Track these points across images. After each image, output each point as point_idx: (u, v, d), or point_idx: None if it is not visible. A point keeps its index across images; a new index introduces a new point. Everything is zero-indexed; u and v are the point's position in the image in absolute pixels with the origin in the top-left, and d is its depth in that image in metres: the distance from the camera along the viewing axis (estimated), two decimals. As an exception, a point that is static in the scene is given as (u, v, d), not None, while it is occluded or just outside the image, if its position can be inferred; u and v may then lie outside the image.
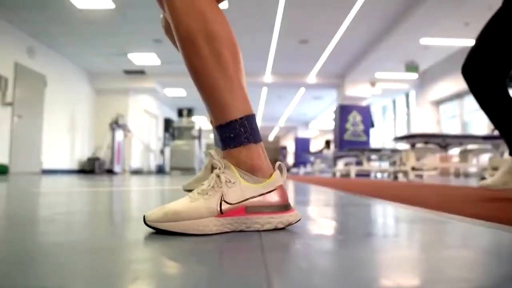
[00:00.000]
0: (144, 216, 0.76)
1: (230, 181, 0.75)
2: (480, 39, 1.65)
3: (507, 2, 1.58)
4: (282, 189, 0.78)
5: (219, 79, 0.80)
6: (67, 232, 0.76)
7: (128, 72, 10.69)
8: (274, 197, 0.77)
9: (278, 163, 0.82)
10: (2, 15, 6.93)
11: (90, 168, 9.74)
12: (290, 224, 0.78)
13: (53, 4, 6.36)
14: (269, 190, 0.77)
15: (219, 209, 0.74)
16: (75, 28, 7.49)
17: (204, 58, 0.79)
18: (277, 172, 0.80)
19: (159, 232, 0.75)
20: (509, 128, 1.58)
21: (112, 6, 6.44)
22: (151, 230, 0.77)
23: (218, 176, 0.76)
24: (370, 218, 1.06)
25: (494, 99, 1.56)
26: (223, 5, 6.47)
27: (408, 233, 0.81)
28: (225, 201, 0.74)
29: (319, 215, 1.09)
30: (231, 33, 0.82)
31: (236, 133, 0.79)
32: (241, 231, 0.76)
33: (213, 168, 0.95)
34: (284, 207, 0.78)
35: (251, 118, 0.81)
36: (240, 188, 0.75)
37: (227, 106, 0.79)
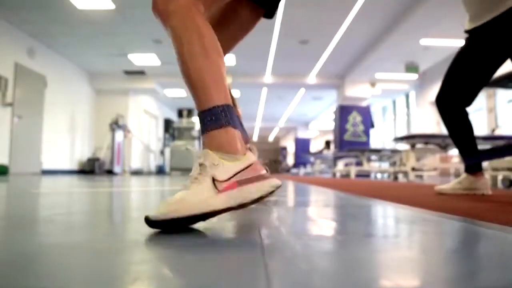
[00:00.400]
0: (146, 218, 0.78)
1: (214, 164, 0.84)
2: (448, 75, 2.05)
3: (469, 42, 1.95)
4: (257, 163, 0.88)
5: (207, 71, 0.91)
6: (67, 233, 0.76)
7: (128, 73, 10.69)
8: (255, 169, 0.86)
9: (248, 144, 0.94)
10: (2, 16, 6.93)
11: (90, 169, 9.74)
12: (277, 186, 0.86)
13: (53, 4, 6.37)
14: (247, 165, 0.85)
15: (215, 188, 0.81)
16: (75, 28, 7.50)
17: (195, 55, 0.92)
18: (251, 153, 0.89)
19: (163, 232, 0.75)
20: (465, 145, 2.04)
21: (112, 6, 6.45)
22: (151, 231, 0.78)
23: (201, 164, 0.85)
24: (370, 219, 1.06)
25: (457, 124, 2.03)
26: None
27: (407, 234, 0.81)
28: (217, 180, 0.82)
29: (319, 216, 1.09)
30: (217, 41, 0.97)
31: (217, 117, 0.88)
32: (241, 206, 0.82)
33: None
34: (265, 176, 0.86)
35: (231, 108, 0.91)
36: (224, 168, 0.84)
37: (211, 94, 0.90)
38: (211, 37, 0.96)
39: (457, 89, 2.01)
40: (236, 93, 11.74)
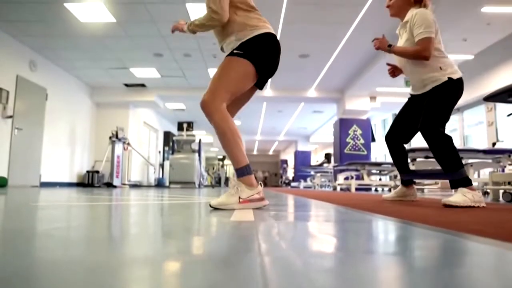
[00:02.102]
0: (209, 204, 1.86)
1: (241, 189, 1.86)
2: (394, 121, 2.92)
3: (408, 102, 2.84)
4: (260, 192, 1.90)
5: (235, 149, 1.90)
6: (65, 248, 0.75)
7: (128, 85, 10.76)
8: (258, 195, 1.89)
9: (260, 182, 1.93)
10: (5, 29, 7.01)
11: (89, 181, 9.71)
12: (266, 205, 1.93)
13: (57, 17, 6.44)
14: (256, 193, 1.88)
15: (238, 201, 1.83)
16: (77, 41, 7.57)
17: (229, 141, 1.89)
18: (259, 186, 1.91)
19: (163, 246, 0.75)
20: (402, 167, 2.93)
21: (113, 20, 6.52)
22: (149, 246, 0.77)
23: (236, 187, 1.87)
24: (370, 235, 1.05)
25: (398, 153, 2.91)
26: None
27: (408, 251, 0.79)
28: (240, 197, 1.84)
29: (319, 231, 1.08)
30: (235, 127, 1.92)
31: (243, 171, 1.90)
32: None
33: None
34: (262, 199, 1.91)
35: (249, 165, 1.92)
36: (245, 193, 1.86)
37: (239, 161, 1.90)
38: (234, 128, 1.91)
39: (398, 131, 2.87)
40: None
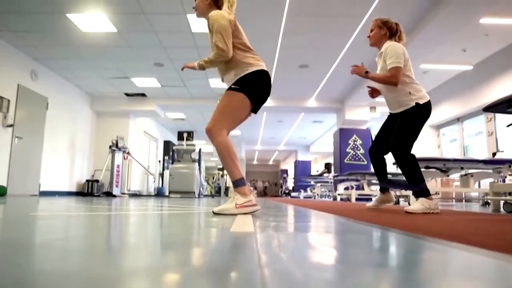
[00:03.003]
0: (212, 211, 2.32)
1: (237, 197, 2.27)
2: (376, 136, 3.35)
3: (387, 119, 3.28)
4: (252, 200, 2.28)
5: (232, 166, 2.33)
6: (64, 259, 0.75)
7: (129, 95, 10.79)
8: (251, 202, 2.27)
9: (253, 192, 2.60)
10: (8, 39, 7.06)
11: (89, 190, 9.69)
12: (257, 210, 2.30)
13: (59, 27, 6.49)
14: (248, 200, 2.27)
15: (235, 206, 2.23)
16: (78, 51, 7.62)
17: (226, 160, 2.34)
18: (252, 194, 2.33)
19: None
20: (382, 176, 3.32)
21: (114, 29, 6.57)
22: (149, 258, 0.77)
23: (232, 196, 2.30)
24: (370, 247, 1.05)
25: (379, 164, 3.31)
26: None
27: (409, 263, 0.79)
28: (236, 203, 2.24)
29: (319, 243, 1.08)
30: (233, 148, 2.37)
31: (238, 183, 2.31)
32: (243, 213, 2.22)
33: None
34: (254, 205, 2.29)
35: (243, 178, 2.33)
36: (240, 200, 2.25)
37: (234, 174, 2.32)
38: (232, 149, 2.35)
39: (380, 145, 3.27)
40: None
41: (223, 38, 2.34)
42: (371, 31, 3.30)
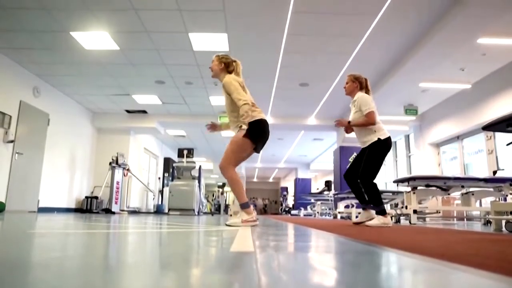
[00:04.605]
0: (226, 224, 3.33)
1: (241, 215, 3.22)
2: (351, 164, 4.09)
3: (360, 152, 4.04)
4: (254, 216, 3.25)
5: (240, 193, 3.28)
6: (61, 279, 0.74)
7: (130, 112, 10.85)
8: (253, 218, 3.22)
9: (254, 211, 3.37)
10: (12, 56, 7.14)
11: (88, 207, 9.63)
12: (256, 224, 3.25)
13: (62, 45, 6.58)
14: (252, 217, 3.22)
15: (241, 222, 3.16)
16: (80, 68, 7.70)
17: (236, 189, 3.30)
18: (254, 212, 3.29)
19: (166, 272, 0.74)
20: (360, 196, 4.00)
21: (116, 47, 6.66)
22: (147, 278, 0.76)
23: (239, 213, 3.25)
24: (371, 268, 1.04)
25: (355, 186, 3.98)
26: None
27: (410, 285, 0.78)
28: (242, 219, 3.18)
29: (320, 263, 1.07)
30: (240, 180, 3.36)
31: (244, 205, 3.25)
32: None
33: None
34: (255, 220, 3.23)
35: (247, 202, 3.28)
36: (245, 216, 3.20)
37: (241, 199, 3.27)
38: (239, 180, 3.31)
39: (353, 172, 3.99)
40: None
41: (239, 94, 3.23)
42: (347, 83, 4.20)
